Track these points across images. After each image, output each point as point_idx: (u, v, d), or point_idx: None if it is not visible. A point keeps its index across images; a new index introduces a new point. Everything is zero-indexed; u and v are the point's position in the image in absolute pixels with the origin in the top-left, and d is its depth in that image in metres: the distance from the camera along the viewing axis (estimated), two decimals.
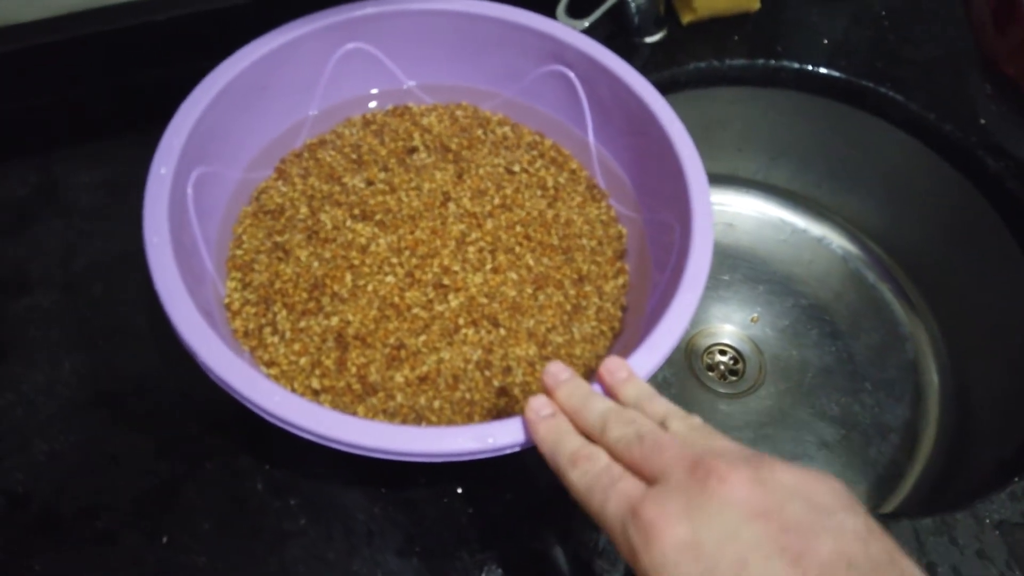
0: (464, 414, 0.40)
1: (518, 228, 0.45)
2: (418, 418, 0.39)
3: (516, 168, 0.48)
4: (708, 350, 0.65)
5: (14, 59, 0.49)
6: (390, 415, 0.39)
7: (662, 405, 0.30)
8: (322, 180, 0.46)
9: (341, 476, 0.41)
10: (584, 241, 0.46)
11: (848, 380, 0.63)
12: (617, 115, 0.46)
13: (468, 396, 0.40)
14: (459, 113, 0.50)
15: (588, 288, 0.44)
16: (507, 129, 0.49)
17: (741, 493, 0.24)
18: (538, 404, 0.32)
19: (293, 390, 0.39)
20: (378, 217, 0.45)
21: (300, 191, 0.46)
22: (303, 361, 0.40)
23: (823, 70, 0.60)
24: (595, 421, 0.30)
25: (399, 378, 0.40)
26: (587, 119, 0.47)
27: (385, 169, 0.47)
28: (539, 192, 0.47)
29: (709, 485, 0.25)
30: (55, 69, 0.52)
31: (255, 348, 0.40)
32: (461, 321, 0.42)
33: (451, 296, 0.43)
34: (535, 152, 0.49)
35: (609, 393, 0.33)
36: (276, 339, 0.41)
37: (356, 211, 0.45)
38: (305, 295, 0.42)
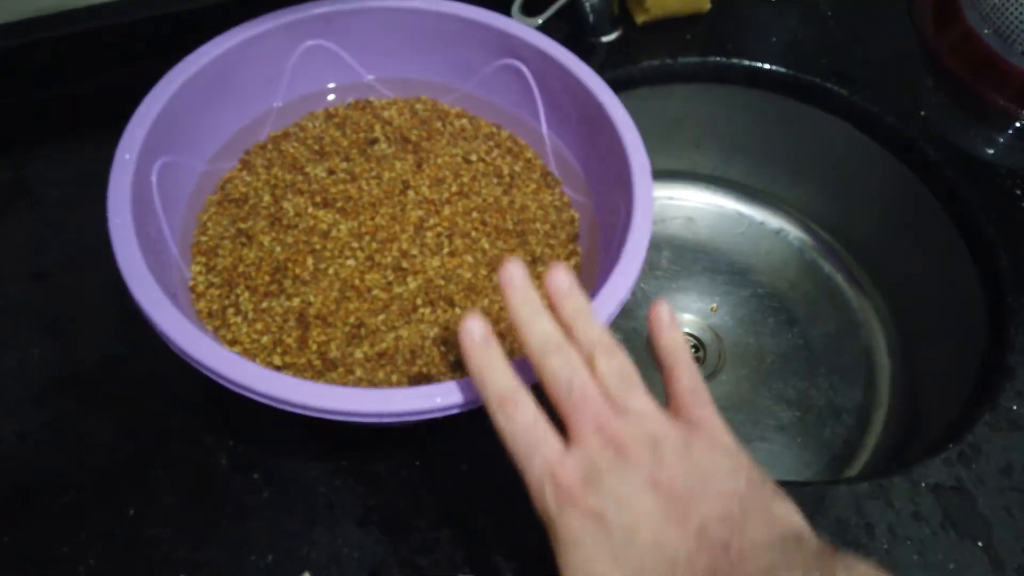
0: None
1: (474, 214, 0.47)
2: None
3: (473, 158, 0.50)
4: None
5: None
6: None
7: (593, 331, 0.32)
8: (285, 170, 0.48)
9: (304, 451, 0.43)
10: (538, 225, 0.47)
11: (804, 366, 0.65)
12: (568, 105, 0.48)
13: (425, 371, 0.42)
14: (419, 106, 0.52)
15: (541, 269, 0.46)
16: (465, 121, 0.51)
17: (641, 473, 0.28)
18: (472, 326, 0.32)
19: None
20: (339, 204, 0.47)
21: (264, 180, 0.48)
22: (265, 339, 0.42)
23: (772, 67, 0.63)
24: (536, 344, 0.31)
25: (359, 354, 0.42)
26: (540, 110, 0.50)
27: (347, 159, 0.49)
28: (495, 180, 0.49)
29: (616, 461, 0.28)
30: (24, 70, 0.53)
31: (219, 328, 0.42)
32: (419, 301, 0.44)
33: (410, 278, 0.44)
34: (492, 143, 0.51)
35: (552, 304, 0.33)
36: (239, 319, 0.42)
37: (318, 199, 0.47)
38: (268, 278, 0.44)
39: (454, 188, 0.48)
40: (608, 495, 0.28)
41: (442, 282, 0.44)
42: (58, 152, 0.53)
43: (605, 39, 0.62)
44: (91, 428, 0.43)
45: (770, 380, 0.65)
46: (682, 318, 0.68)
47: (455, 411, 0.34)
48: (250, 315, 0.42)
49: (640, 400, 0.30)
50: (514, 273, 0.32)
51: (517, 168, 0.50)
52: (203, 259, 0.44)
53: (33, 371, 0.44)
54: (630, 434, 0.29)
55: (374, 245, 0.45)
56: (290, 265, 0.44)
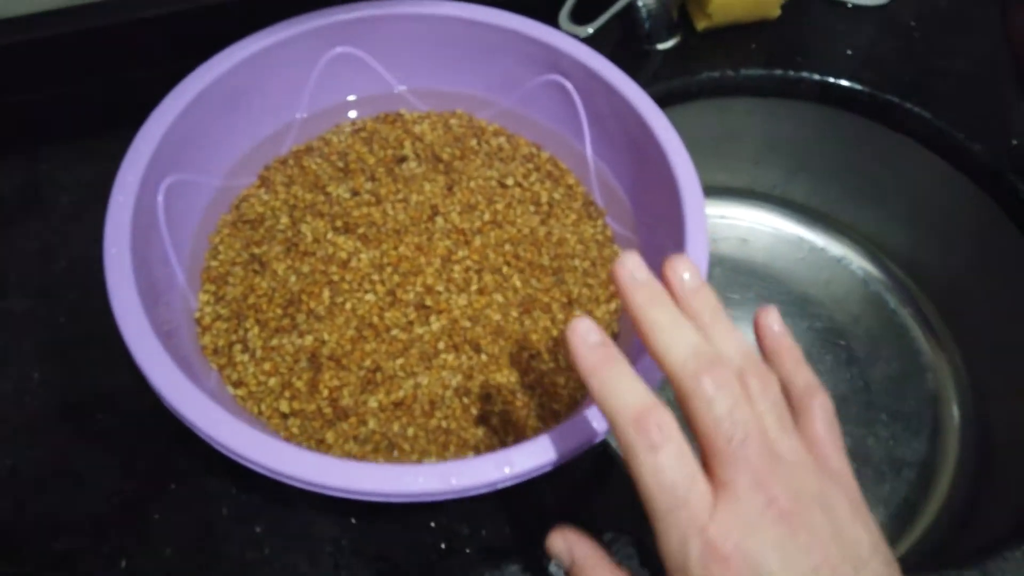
0: (439, 443, 0.37)
1: (507, 247, 0.43)
2: (390, 446, 0.37)
3: (510, 181, 0.45)
4: None
5: (4, 54, 0.48)
6: (361, 442, 0.37)
7: (737, 342, 0.27)
8: (306, 189, 0.44)
9: (310, 504, 0.39)
10: (576, 262, 0.43)
11: (863, 410, 0.60)
12: (615, 129, 0.43)
13: (444, 424, 0.38)
14: (453, 121, 0.48)
15: (577, 312, 0.41)
16: (502, 140, 0.47)
17: (797, 540, 0.24)
18: (584, 328, 0.26)
19: (260, 412, 0.37)
20: (361, 230, 0.43)
21: (282, 200, 0.44)
22: (272, 382, 0.38)
23: (845, 82, 0.57)
24: (679, 361, 0.25)
25: (373, 403, 0.38)
26: (585, 131, 0.45)
27: (372, 179, 0.45)
28: (532, 208, 0.45)
29: (775, 524, 0.24)
30: (46, 65, 0.50)
31: (224, 367, 0.38)
32: (441, 345, 0.40)
33: (433, 318, 0.40)
34: (531, 165, 0.46)
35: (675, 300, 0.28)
36: (246, 357, 0.39)
37: (339, 223, 0.43)
38: (280, 311, 0.40)
39: (487, 216, 0.44)
40: (764, 562, 0.24)
41: (468, 324, 0.40)
42: (74, 152, 0.51)
43: (661, 46, 0.57)
44: (89, 465, 0.40)
45: None
46: None
47: (472, 494, 0.30)
48: (258, 353, 0.39)
49: (792, 443, 0.26)
50: (632, 266, 0.27)
51: (557, 195, 0.45)
52: (212, 287, 0.41)
53: (31, 397, 0.42)
54: (788, 494, 0.25)
55: (396, 278, 0.41)
56: (304, 298, 0.40)
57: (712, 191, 0.69)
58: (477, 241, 0.43)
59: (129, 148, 0.38)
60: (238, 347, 0.39)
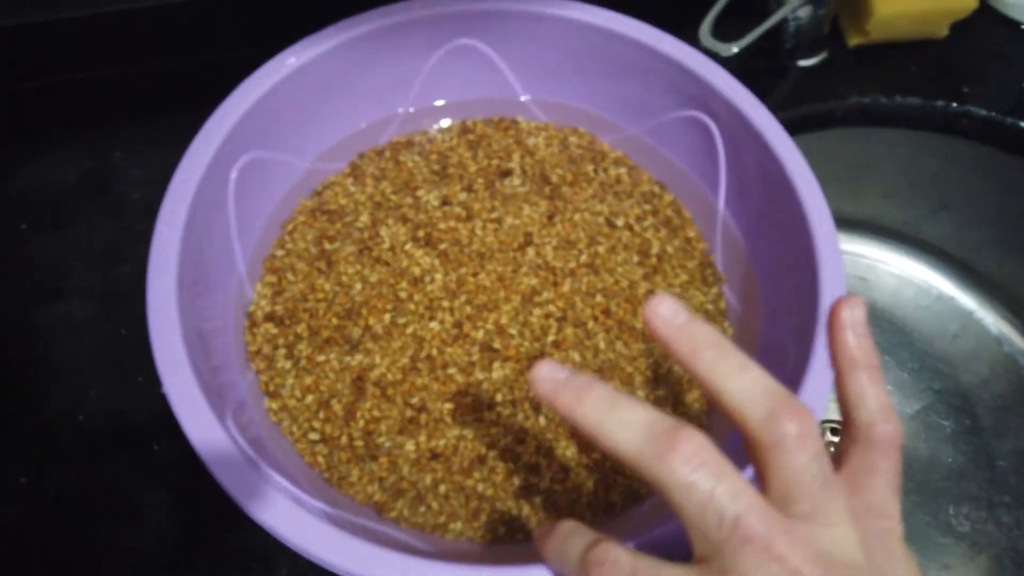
0: (470, 510, 0.33)
1: (599, 298, 0.37)
2: (418, 500, 0.33)
3: (620, 222, 0.40)
4: (820, 427, 0.56)
5: (85, 27, 0.44)
6: (386, 489, 0.33)
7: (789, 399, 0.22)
8: (396, 187, 0.40)
9: None
10: None
11: (985, 490, 0.53)
12: (758, 186, 0.37)
13: (480, 489, 0.33)
14: (572, 139, 0.42)
15: (661, 392, 0.36)
16: (623, 171, 0.41)
17: None
18: (668, 307, 0.22)
19: (291, 433, 0.34)
20: (443, 246, 0.38)
21: (368, 195, 0.40)
22: (309, 399, 0.35)
23: (1018, 123, 0.49)
24: (757, 415, 0.21)
25: (410, 446, 0.34)
26: (721, 180, 0.38)
27: (469, 189, 0.40)
28: (637, 258, 0.39)
29: None
30: (132, 40, 0.46)
31: (262, 371, 0.35)
32: (499, 397, 0.35)
33: (497, 364, 0.36)
34: (648, 206, 0.40)
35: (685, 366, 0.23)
36: (288, 365, 0.36)
37: (421, 233, 0.39)
38: (335, 320, 0.37)
39: (584, 257, 0.38)
40: None
41: None
42: (148, 137, 0.46)
43: (803, 63, 0.49)
44: (140, 504, 0.36)
45: (937, 502, 0.53)
46: (835, 406, 0.56)
47: None
48: (302, 363, 0.36)
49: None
50: (669, 309, 0.22)
51: (671, 248, 0.39)
52: (273, 279, 0.38)
53: (85, 417, 0.38)
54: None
55: (468, 310, 0.37)
56: (364, 311, 0.37)
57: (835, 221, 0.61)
58: (567, 285, 0.38)
59: (207, 120, 0.34)
60: (282, 352, 0.36)
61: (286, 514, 0.26)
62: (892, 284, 0.60)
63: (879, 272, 0.61)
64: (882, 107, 0.49)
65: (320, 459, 0.34)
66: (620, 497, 0.33)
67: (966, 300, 0.59)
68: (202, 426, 0.28)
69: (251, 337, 0.36)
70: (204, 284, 0.33)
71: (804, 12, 0.45)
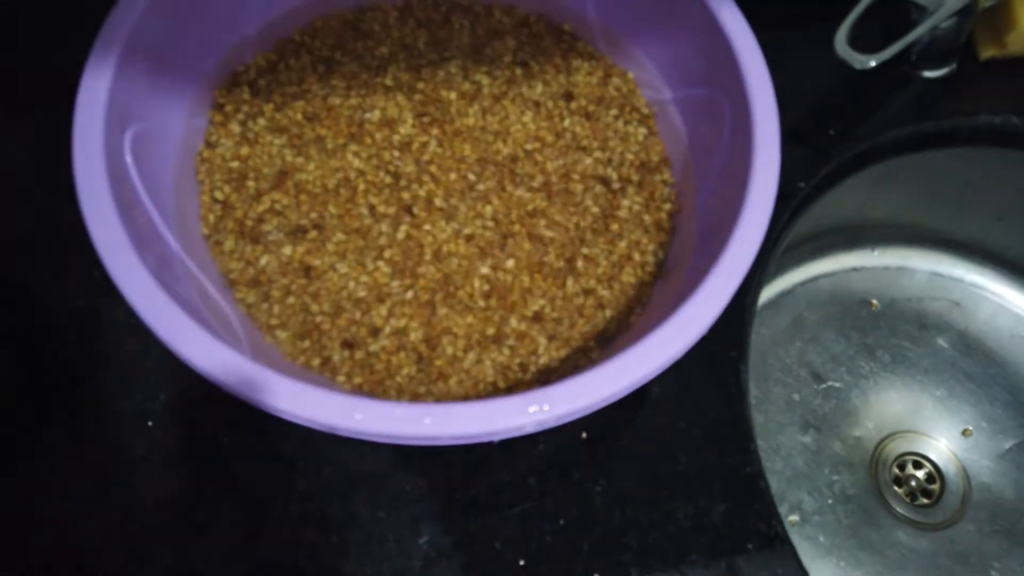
0: (303, 327, 0.35)
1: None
2: (265, 298, 0.35)
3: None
4: (900, 459, 0.53)
5: None
6: (246, 272, 0.35)
7: None
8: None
9: None
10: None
11: None
12: None
13: (316, 314, 0.35)
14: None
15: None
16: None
17: None
18: None
19: (202, 182, 0.37)
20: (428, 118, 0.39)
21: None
22: (235, 164, 0.37)
23: None
24: None
25: (287, 250, 0.36)
26: None
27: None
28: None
29: None
30: None
31: (215, 123, 0.38)
32: (390, 255, 0.36)
33: (404, 227, 0.37)
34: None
35: None
36: (239, 130, 0.38)
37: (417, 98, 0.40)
38: (300, 117, 0.38)
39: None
40: None
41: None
42: None
43: (928, 74, 0.45)
44: (209, 523, 0.34)
45: None
46: (922, 436, 0.53)
47: None
48: (250, 134, 0.38)
49: None
50: None
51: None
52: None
53: (154, 424, 0.36)
54: None
55: (411, 169, 0.38)
56: (328, 122, 0.38)
57: (926, 239, 0.58)
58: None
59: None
60: (239, 117, 0.38)
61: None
62: (988, 312, 0.57)
63: (975, 297, 0.57)
64: (1013, 128, 0.45)
65: (212, 217, 0.36)
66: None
67: None
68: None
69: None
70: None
71: (948, 22, 0.40)
